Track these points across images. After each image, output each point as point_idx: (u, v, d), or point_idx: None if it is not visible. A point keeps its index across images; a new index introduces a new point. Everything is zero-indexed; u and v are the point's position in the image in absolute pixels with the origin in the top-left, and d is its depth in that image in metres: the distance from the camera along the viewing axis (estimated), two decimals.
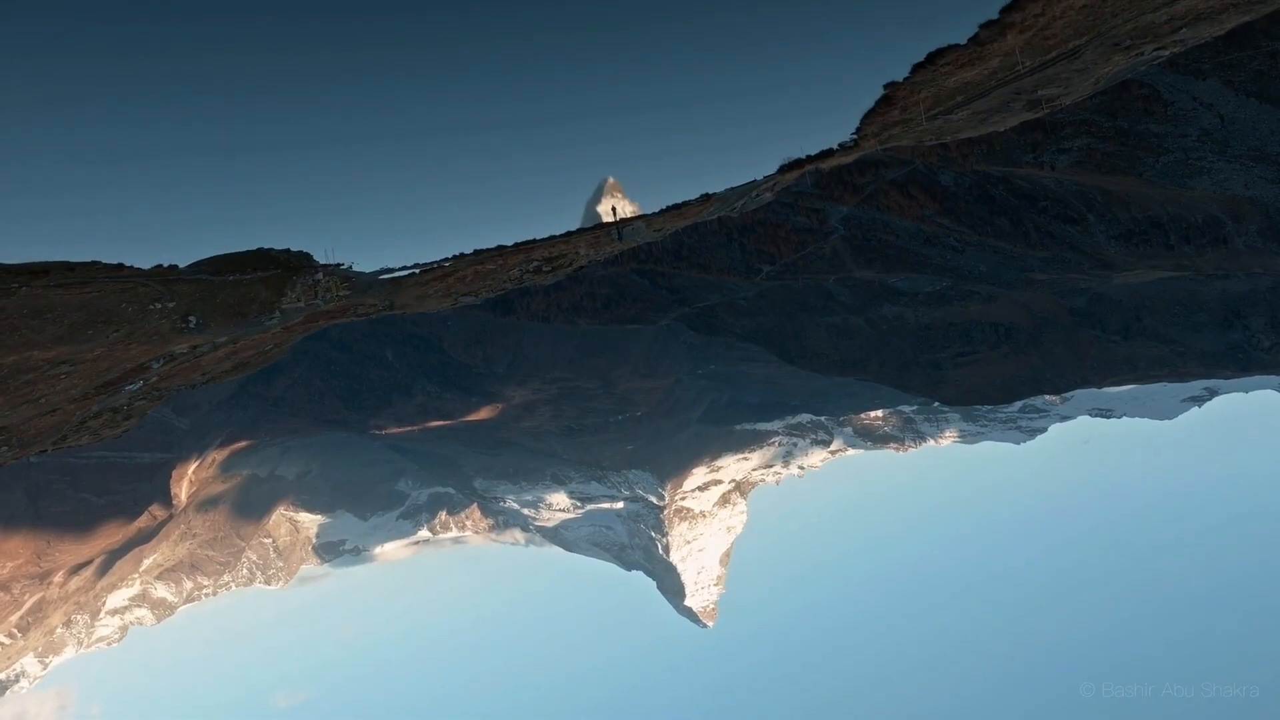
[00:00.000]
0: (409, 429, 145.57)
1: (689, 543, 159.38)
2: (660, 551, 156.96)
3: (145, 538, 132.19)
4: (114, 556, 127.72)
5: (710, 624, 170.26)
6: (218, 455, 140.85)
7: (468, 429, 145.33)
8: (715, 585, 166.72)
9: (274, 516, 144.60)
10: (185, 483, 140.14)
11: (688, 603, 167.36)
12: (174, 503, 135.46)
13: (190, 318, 45.72)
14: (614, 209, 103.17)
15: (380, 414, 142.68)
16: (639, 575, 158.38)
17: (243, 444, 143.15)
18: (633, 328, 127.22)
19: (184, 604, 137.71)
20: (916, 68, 52.51)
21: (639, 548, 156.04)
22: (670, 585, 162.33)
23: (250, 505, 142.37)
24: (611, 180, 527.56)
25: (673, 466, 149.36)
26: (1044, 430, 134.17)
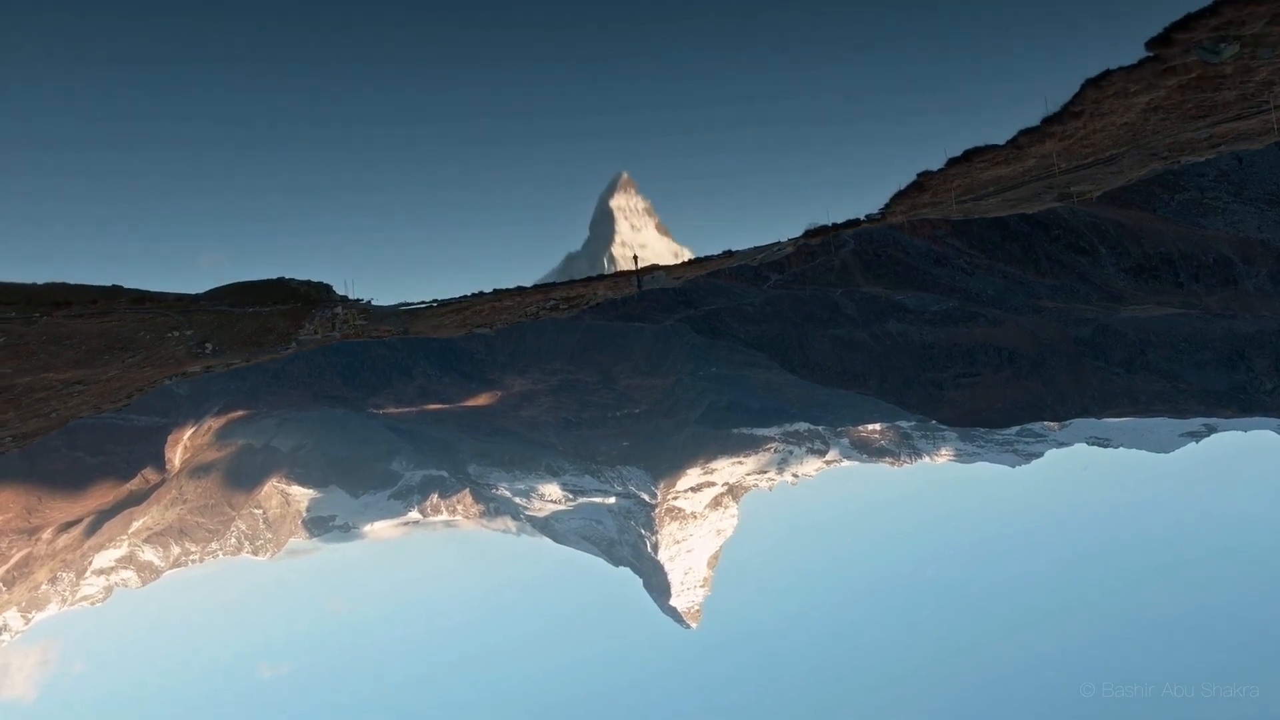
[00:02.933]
0: (407, 410, 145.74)
1: (678, 543, 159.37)
2: (649, 549, 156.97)
3: (136, 500, 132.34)
4: (103, 517, 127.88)
5: (694, 625, 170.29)
6: (214, 423, 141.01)
7: (465, 414, 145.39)
8: (701, 587, 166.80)
9: (266, 488, 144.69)
10: (180, 448, 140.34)
11: (673, 602, 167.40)
12: (167, 467, 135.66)
13: (207, 344, 45.88)
14: (635, 257, 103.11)
15: (379, 393, 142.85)
16: (626, 571, 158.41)
17: (240, 413, 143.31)
18: (637, 325, 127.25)
19: (170, 569, 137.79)
20: (952, 161, 52.82)
21: (628, 544, 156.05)
22: (656, 584, 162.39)
23: (243, 475, 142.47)
24: (625, 175, 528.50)
25: (667, 465, 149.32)
26: (1040, 455, 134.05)
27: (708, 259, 70.31)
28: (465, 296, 58.10)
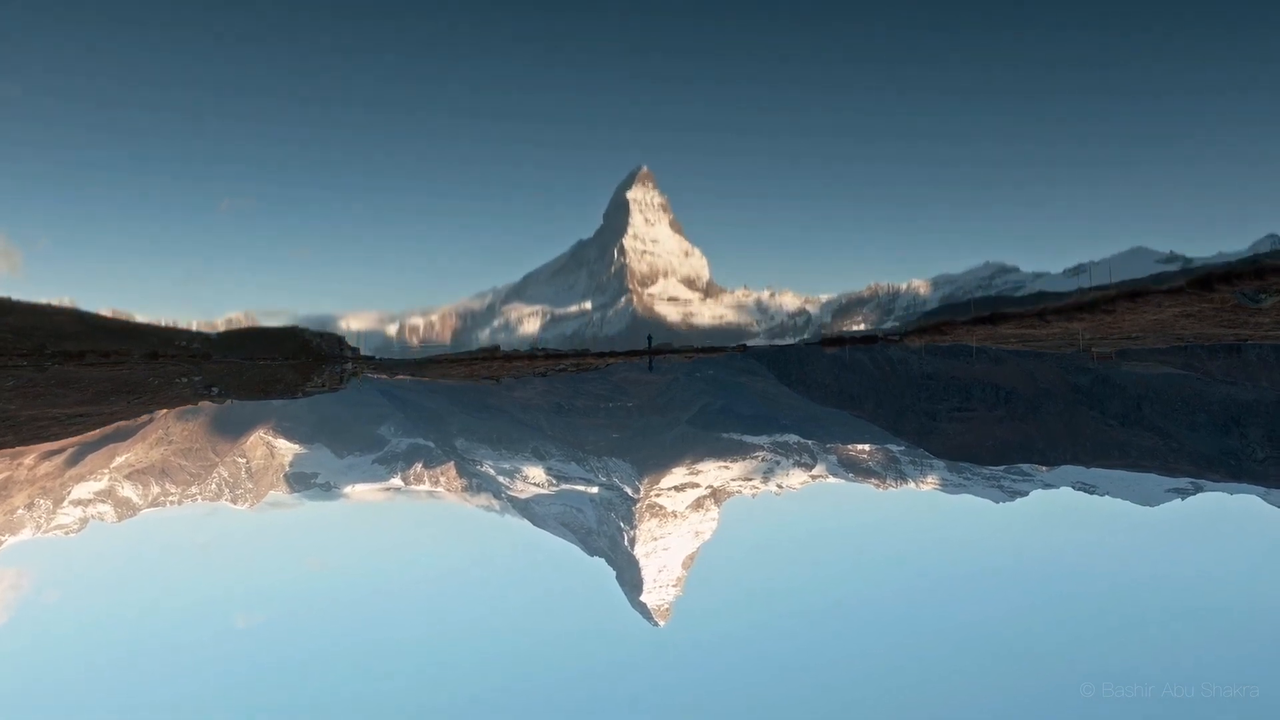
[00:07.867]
0: (401, 377, 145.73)
1: (656, 539, 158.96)
2: (626, 543, 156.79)
3: (122, 436, 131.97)
4: (87, 449, 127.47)
5: (662, 623, 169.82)
6: None
7: (459, 389, 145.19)
8: (674, 586, 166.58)
9: (252, 438, 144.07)
10: None
11: (643, 598, 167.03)
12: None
13: (213, 388, 46.68)
14: (649, 337, 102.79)
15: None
16: (600, 562, 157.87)
17: None
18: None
19: (148, 508, 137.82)
20: (977, 320, 53.90)
21: (605, 535, 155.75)
22: (629, 578, 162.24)
23: (231, 423, 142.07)
24: (645, 168, 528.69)
25: (654, 462, 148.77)
26: (1025, 494, 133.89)
27: (723, 348, 71.84)
28: (475, 351, 58.86)
